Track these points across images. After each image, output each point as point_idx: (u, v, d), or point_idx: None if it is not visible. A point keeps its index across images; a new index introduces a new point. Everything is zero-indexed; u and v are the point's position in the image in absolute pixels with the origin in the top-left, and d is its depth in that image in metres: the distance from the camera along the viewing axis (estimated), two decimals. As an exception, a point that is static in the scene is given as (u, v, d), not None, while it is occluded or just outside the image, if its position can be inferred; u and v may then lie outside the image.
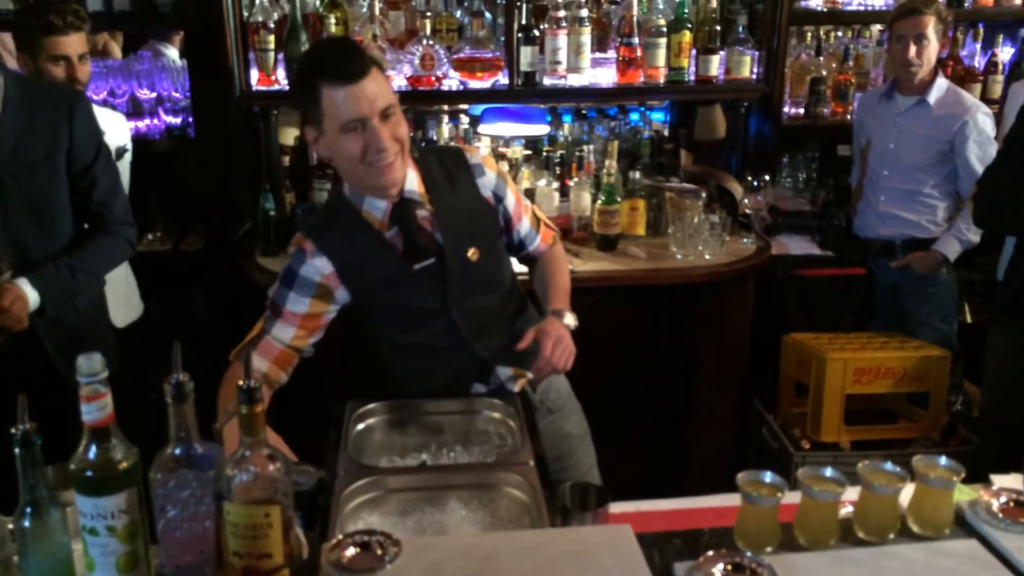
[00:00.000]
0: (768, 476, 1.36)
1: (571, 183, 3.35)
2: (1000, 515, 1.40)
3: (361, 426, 1.87)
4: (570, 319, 1.94)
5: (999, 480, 1.67)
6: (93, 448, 1.10)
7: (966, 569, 1.29)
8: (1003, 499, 1.44)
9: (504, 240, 2.03)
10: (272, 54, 3.06)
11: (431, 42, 3.10)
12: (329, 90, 1.66)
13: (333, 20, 3.07)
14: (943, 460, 1.42)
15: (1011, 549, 1.33)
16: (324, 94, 1.67)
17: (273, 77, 3.09)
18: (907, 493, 1.42)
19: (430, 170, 1.88)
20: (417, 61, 3.08)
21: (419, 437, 1.90)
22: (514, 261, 2.12)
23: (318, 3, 3.19)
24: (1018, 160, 2.52)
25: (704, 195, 3.30)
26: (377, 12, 3.14)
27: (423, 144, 3.41)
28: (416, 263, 1.84)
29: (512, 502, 1.62)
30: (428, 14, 3.19)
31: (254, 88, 3.10)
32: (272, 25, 3.04)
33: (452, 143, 3.42)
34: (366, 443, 1.85)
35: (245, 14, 3.07)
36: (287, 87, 3.07)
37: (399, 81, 3.12)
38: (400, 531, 1.54)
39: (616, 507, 1.56)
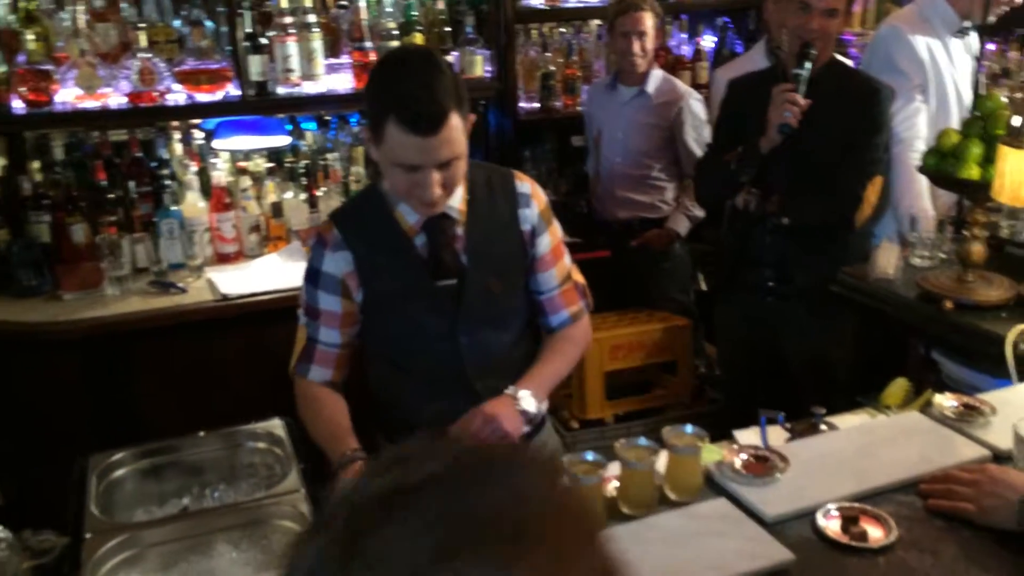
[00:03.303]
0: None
1: (319, 193, 3.27)
2: (743, 471, 1.53)
3: (110, 479, 1.72)
4: (529, 403, 1.67)
5: (741, 436, 1.83)
6: None
7: (718, 527, 1.40)
8: (744, 456, 1.57)
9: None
10: (-39, 76, 2.73)
11: (148, 55, 2.89)
12: (395, 130, 1.51)
13: (31, 36, 2.78)
14: (689, 428, 1.53)
15: (755, 502, 1.46)
16: (389, 131, 1.52)
17: (-35, 102, 2.75)
18: (663, 462, 1.51)
19: (475, 187, 1.74)
20: (135, 76, 2.86)
21: (178, 481, 1.78)
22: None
23: (12, 18, 2.88)
24: (724, 145, 2.77)
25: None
26: (83, 25, 2.88)
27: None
28: (438, 280, 1.71)
29: (286, 535, 1.56)
30: (142, 25, 2.96)
31: (-58, 115, 2.75)
32: (-43, 44, 2.72)
33: (188, 161, 3.23)
34: (117, 497, 1.71)
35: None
36: (-17, 112, 2.75)
37: (117, 99, 2.89)
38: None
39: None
